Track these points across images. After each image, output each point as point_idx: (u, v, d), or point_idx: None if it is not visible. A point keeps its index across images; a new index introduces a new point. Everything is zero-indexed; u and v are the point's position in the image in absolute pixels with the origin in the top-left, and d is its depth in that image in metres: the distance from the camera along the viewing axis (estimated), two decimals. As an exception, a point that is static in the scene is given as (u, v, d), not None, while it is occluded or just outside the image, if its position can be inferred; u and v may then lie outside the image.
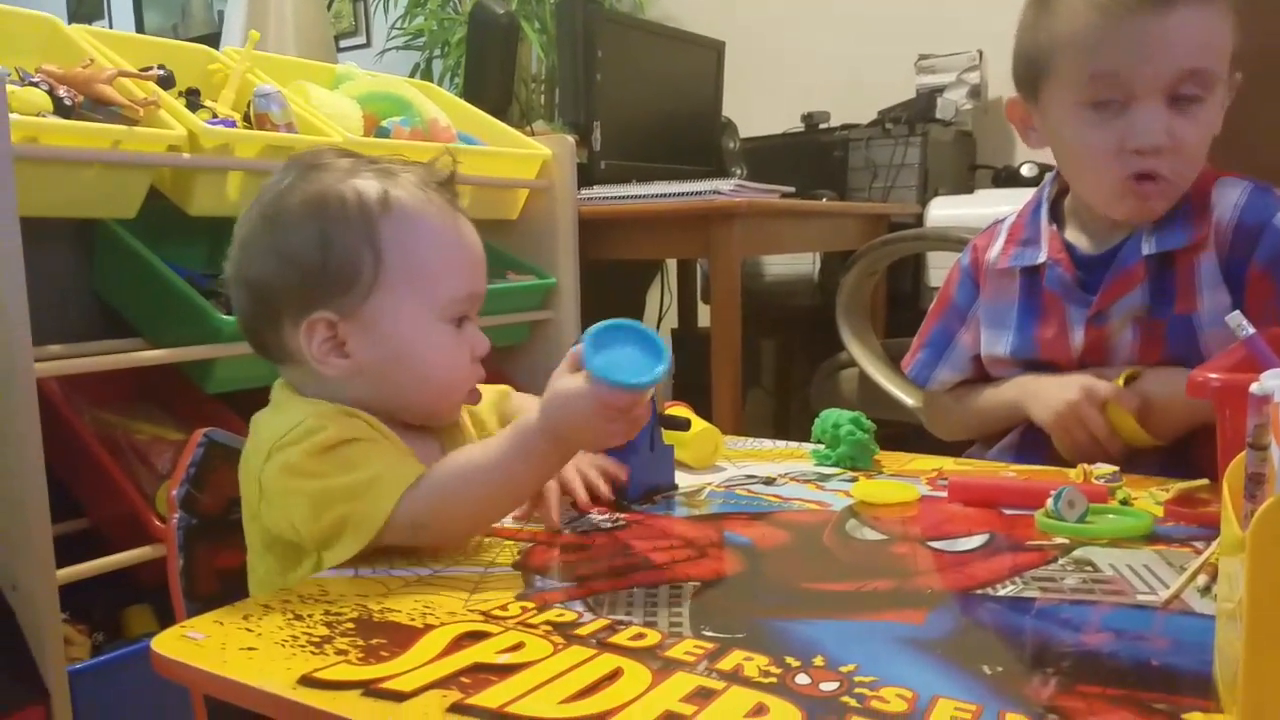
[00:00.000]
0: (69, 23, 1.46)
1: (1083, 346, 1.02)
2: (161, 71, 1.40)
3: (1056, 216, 1.08)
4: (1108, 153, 0.95)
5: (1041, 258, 1.05)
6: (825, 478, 0.97)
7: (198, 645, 0.57)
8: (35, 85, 1.22)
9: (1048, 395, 1.00)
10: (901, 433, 1.82)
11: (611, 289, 2.60)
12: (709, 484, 0.94)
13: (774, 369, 2.89)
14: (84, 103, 1.25)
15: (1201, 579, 0.63)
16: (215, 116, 1.42)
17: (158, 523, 1.26)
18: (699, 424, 1.01)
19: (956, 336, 1.16)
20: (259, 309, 0.78)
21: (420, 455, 0.77)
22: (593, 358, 0.66)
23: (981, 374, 1.14)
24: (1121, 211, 0.99)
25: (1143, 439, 0.95)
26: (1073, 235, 1.06)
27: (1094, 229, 1.04)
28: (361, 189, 0.77)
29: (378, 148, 1.56)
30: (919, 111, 2.46)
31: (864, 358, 1.95)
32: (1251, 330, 0.54)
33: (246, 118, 1.48)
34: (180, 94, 1.45)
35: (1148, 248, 0.97)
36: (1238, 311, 0.64)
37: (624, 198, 2.02)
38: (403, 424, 0.80)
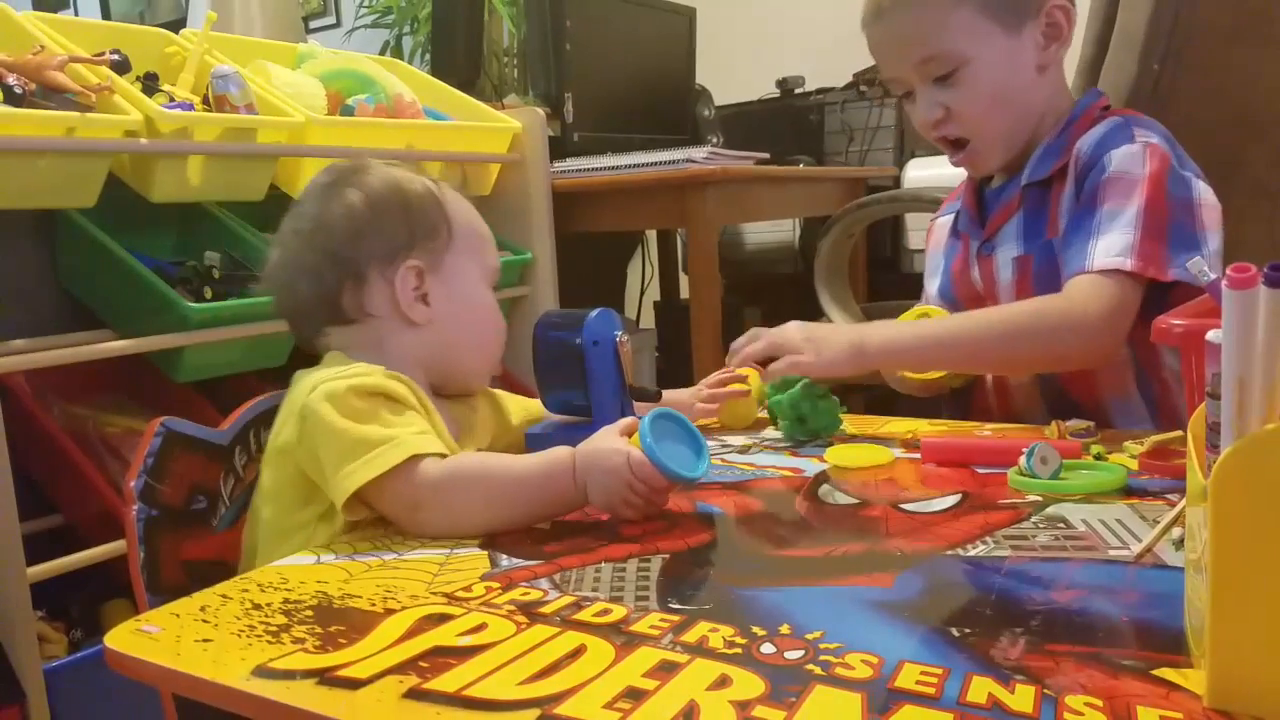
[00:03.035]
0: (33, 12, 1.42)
1: (981, 279, 1.08)
2: (116, 56, 1.36)
3: None
4: (924, 130, 1.08)
5: (959, 205, 1.15)
6: (800, 444, 0.96)
7: (152, 639, 0.56)
8: (-17, 74, 1.18)
9: None
10: (884, 396, 1.82)
11: (592, 263, 2.58)
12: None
13: (759, 338, 2.86)
14: (35, 90, 1.22)
15: (1176, 531, 0.63)
16: (173, 100, 1.39)
17: (132, 516, 1.24)
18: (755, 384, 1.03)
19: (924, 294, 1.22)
20: (341, 272, 0.84)
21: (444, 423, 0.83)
22: (647, 436, 0.71)
23: None
24: (960, 168, 1.10)
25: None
26: (994, 181, 1.12)
27: (999, 175, 1.10)
28: (419, 177, 0.89)
29: (343, 126, 1.54)
30: (894, 72, 2.43)
31: (843, 322, 1.93)
32: (1212, 276, 0.52)
33: (206, 100, 1.45)
34: (137, 79, 1.41)
35: (1024, 178, 1.04)
36: (1199, 258, 0.62)
37: (597, 169, 1.99)
38: (434, 392, 0.86)
